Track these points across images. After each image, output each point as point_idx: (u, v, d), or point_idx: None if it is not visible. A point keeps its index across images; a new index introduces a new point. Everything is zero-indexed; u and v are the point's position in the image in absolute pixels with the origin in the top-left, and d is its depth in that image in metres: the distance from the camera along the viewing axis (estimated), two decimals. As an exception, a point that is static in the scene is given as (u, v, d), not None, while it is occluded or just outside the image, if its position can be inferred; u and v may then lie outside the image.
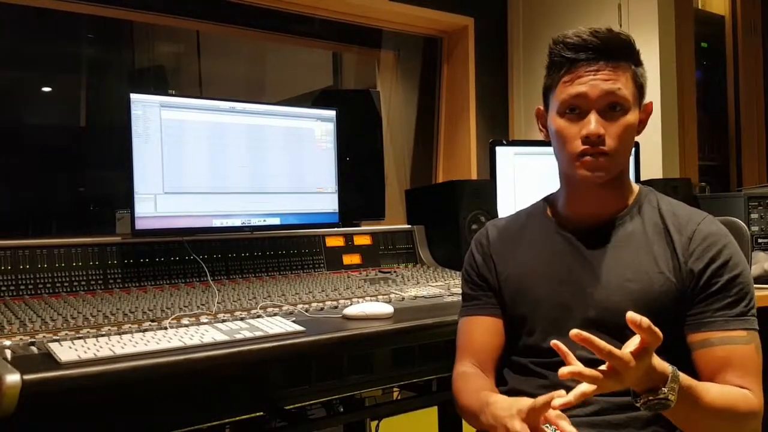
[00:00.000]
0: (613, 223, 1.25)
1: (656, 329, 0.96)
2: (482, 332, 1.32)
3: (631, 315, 0.95)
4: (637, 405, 1.03)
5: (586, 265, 1.23)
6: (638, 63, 1.22)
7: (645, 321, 0.95)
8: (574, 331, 0.96)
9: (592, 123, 1.16)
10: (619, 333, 1.16)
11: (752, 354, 1.14)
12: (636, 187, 1.30)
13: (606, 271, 1.21)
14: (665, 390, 1.00)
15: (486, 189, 2.32)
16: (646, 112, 1.26)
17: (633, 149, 1.37)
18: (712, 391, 1.08)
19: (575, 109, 1.19)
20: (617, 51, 1.19)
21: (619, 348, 0.98)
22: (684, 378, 1.04)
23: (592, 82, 1.17)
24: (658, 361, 1.01)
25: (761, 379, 1.15)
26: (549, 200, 1.36)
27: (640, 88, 1.22)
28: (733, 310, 1.15)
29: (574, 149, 1.18)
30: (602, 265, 1.22)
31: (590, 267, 1.22)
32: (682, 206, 1.26)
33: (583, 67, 1.18)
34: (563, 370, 0.96)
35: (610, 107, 1.17)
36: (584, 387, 0.97)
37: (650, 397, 1.01)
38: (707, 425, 1.10)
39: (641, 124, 1.25)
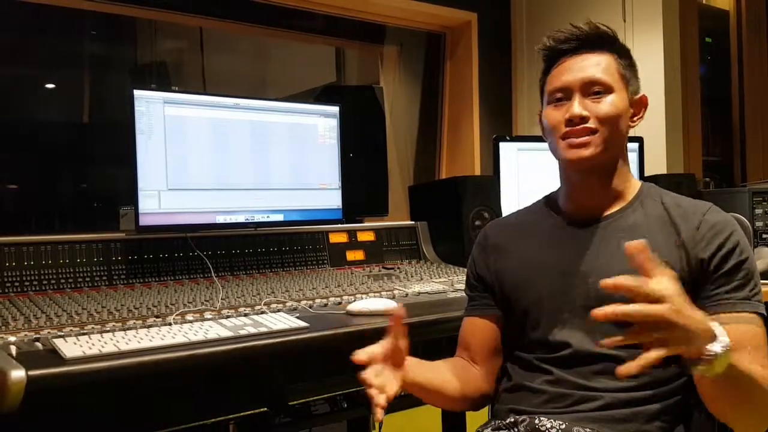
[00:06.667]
0: (614, 217, 1.26)
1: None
2: (475, 333, 1.37)
3: (595, 312, 0.94)
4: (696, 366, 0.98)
5: (588, 257, 1.24)
6: (622, 53, 1.27)
7: (618, 283, 0.94)
8: (596, 312, 0.94)
9: (575, 105, 1.22)
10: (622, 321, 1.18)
11: (761, 334, 1.15)
12: (638, 184, 1.31)
13: (607, 260, 1.22)
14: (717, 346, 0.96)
15: (489, 185, 2.32)
16: (640, 103, 1.29)
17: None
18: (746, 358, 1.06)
19: (561, 99, 1.25)
20: (599, 40, 1.25)
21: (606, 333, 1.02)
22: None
23: (575, 70, 1.23)
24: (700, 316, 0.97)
25: None
26: (549, 198, 1.39)
27: (623, 77, 1.25)
28: (740, 293, 1.16)
29: (559, 132, 1.24)
30: (603, 256, 1.23)
31: (591, 258, 1.23)
32: (686, 198, 1.28)
33: (567, 57, 1.26)
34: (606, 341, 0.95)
35: (594, 92, 1.23)
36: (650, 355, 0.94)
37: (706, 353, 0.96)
38: (751, 395, 1.07)
39: (634, 116, 1.28)
